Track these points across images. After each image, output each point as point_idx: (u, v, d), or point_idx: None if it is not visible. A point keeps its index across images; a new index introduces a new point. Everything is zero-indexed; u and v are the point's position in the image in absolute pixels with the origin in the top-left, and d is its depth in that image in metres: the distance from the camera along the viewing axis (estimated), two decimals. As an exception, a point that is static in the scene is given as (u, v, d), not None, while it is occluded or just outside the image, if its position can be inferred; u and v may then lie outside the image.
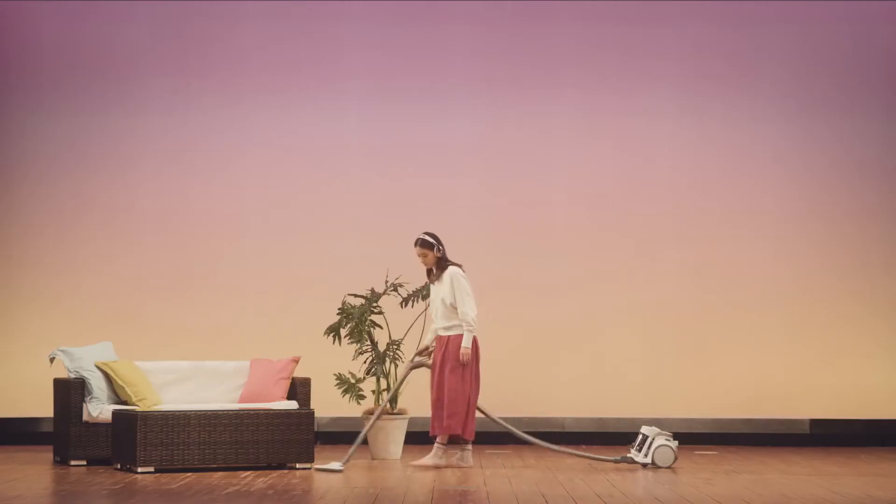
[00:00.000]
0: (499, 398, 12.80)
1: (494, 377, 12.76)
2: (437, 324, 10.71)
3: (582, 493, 9.06)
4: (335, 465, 10.36)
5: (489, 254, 13.00)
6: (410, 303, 11.46)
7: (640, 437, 10.82)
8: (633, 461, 10.77)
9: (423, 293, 11.31)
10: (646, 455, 10.71)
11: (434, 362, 10.71)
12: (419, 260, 10.71)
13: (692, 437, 12.57)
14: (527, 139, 13.09)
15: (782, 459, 11.24)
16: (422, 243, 10.62)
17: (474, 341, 10.60)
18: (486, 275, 12.90)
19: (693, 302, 12.87)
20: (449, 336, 10.63)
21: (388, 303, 11.49)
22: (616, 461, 10.82)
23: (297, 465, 10.43)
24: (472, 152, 13.09)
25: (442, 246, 10.64)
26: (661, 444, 10.70)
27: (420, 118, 13.08)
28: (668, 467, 10.66)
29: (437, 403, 10.60)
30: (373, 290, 11.61)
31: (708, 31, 13.11)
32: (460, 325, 10.59)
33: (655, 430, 10.78)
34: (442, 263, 10.64)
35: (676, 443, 10.78)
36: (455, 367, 10.55)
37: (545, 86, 13.07)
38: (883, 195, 13.09)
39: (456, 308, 10.57)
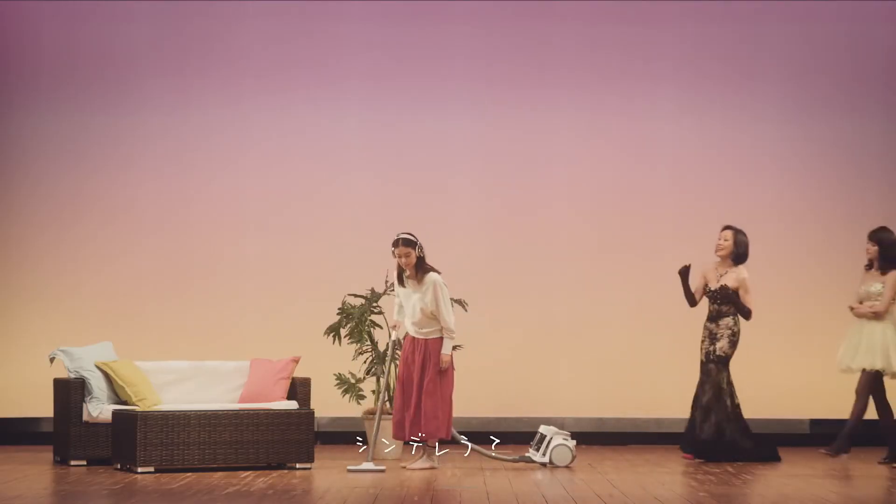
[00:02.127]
0: (499, 398, 12.84)
1: (495, 377, 12.79)
2: (411, 327, 10.60)
3: (582, 493, 9.06)
4: (368, 465, 10.26)
5: (489, 253, 13.01)
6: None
7: (538, 436, 10.85)
8: (531, 461, 10.79)
9: (389, 290, 11.21)
10: (543, 454, 10.74)
11: (408, 364, 10.61)
12: (400, 262, 10.45)
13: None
14: (527, 139, 13.08)
15: (782, 459, 11.24)
16: (405, 242, 10.40)
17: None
18: (486, 275, 12.91)
19: (693, 302, 12.87)
20: (427, 340, 10.55)
21: (388, 303, 11.48)
22: (514, 460, 10.84)
23: (297, 465, 10.43)
24: (472, 152, 13.09)
25: (422, 247, 10.56)
26: (559, 443, 10.74)
27: (420, 118, 13.08)
28: (566, 466, 10.68)
29: (414, 407, 10.49)
30: (373, 290, 11.61)
31: (708, 31, 13.11)
32: (438, 330, 10.56)
33: (553, 429, 10.83)
34: (421, 265, 10.50)
35: (574, 442, 10.84)
36: (436, 373, 10.51)
37: (545, 86, 13.07)
38: (883, 195, 13.09)
39: (435, 316, 10.51)
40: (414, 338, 10.60)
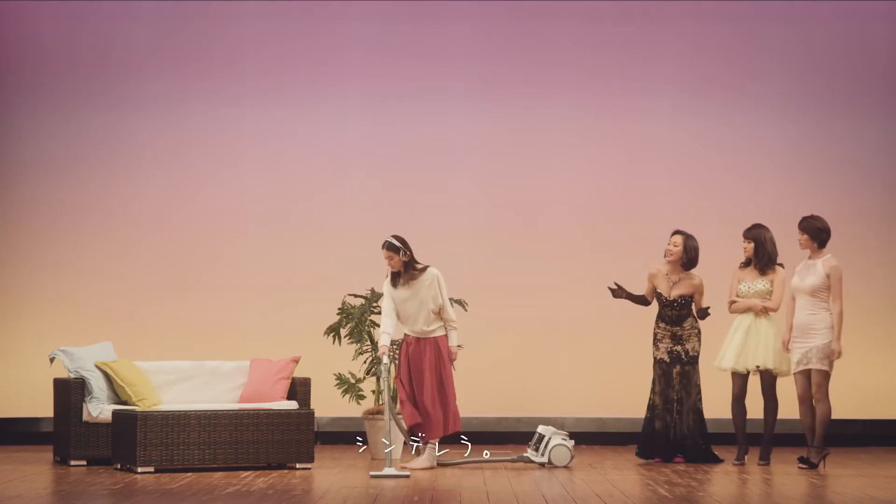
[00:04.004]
0: (499, 398, 12.83)
1: (495, 377, 12.79)
2: (415, 326, 10.57)
3: (582, 493, 9.07)
4: (391, 470, 10.13)
5: (489, 253, 13.01)
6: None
7: (537, 436, 10.85)
8: (529, 461, 10.79)
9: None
10: (542, 454, 10.74)
11: (415, 364, 10.58)
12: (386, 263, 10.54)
13: (692, 437, 12.55)
14: (527, 140, 13.09)
15: (782, 459, 11.24)
16: (388, 246, 10.48)
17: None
18: (486, 275, 12.91)
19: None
20: (435, 338, 10.57)
21: (388, 303, 11.49)
22: (513, 460, 10.84)
23: (297, 465, 10.43)
24: (472, 152, 13.09)
25: (409, 250, 10.51)
26: (557, 443, 10.74)
27: (420, 118, 13.08)
28: (565, 466, 10.68)
29: (431, 404, 10.49)
30: (373, 290, 11.62)
31: (708, 31, 13.11)
32: (442, 327, 10.57)
33: (552, 429, 10.83)
34: (410, 267, 10.53)
35: (573, 442, 10.85)
36: (448, 368, 10.55)
37: (545, 86, 13.07)
38: (882, 196, 13.09)
39: (439, 311, 10.52)
40: (417, 338, 10.59)
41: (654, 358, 11.34)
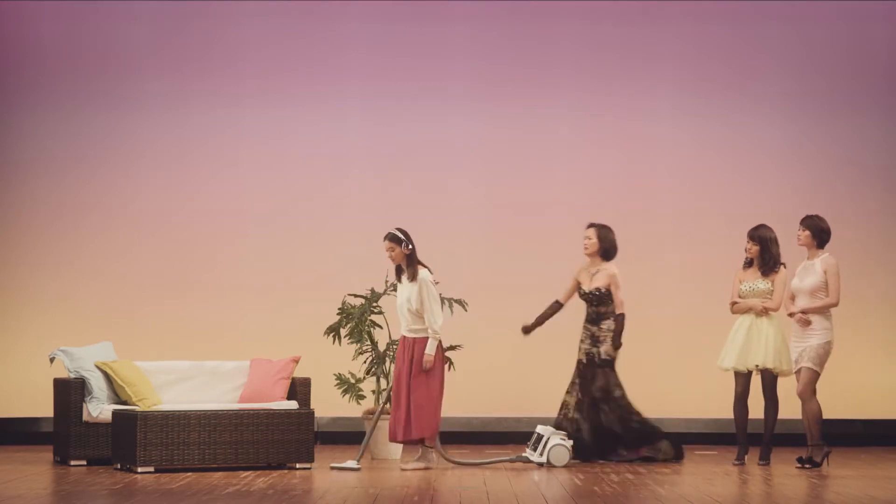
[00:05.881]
0: (500, 398, 12.84)
1: (495, 377, 12.79)
2: (403, 323, 10.62)
3: (582, 493, 9.07)
4: (351, 463, 10.36)
5: (490, 253, 13.01)
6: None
7: (536, 436, 10.84)
8: (528, 460, 10.79)
9: (389, 290, 11.24)
10: (541, 454, 10.74)
11: (399, 364, 10.60)
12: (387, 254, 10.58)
13: (692, 437, 12.56)
14: (527, 139, 13.09)
15: (782, 459, 11.24)
16: (391, 237, 10.50)
17: (438, 346, 10.53)
18: (486, 274, 12.92)
19: (692, 302, 12.86)
20: (415, 339, 10.57)
21: (388, 303, 11.48)
22: (512, 460, 10.84)
23: (297, 465, 10.44)
24: (472, 152, 13.09)
25: (412, 244, 10.55)
26: (556, 443, 10.73)
27: (420, 118, 13.09)
28: (563, 466, 10.68)
29: (405, 408, 10.48)
30: (373, 290, 11.62)
31: (708, 31, 13.12)
32: (425, 330, 10.56)
33: (550, 429, 10.83)
34: (411, 262, 10.54)
35: (571, 442, 10.83)
36: (418, 372, 10.53)
37: (545, 86, 13.08)
38: (882, 196, 13.09)
39: (421, 313, 10.52)
40: (405, 337, 10.62)
41: (577, 359, 11.29)
